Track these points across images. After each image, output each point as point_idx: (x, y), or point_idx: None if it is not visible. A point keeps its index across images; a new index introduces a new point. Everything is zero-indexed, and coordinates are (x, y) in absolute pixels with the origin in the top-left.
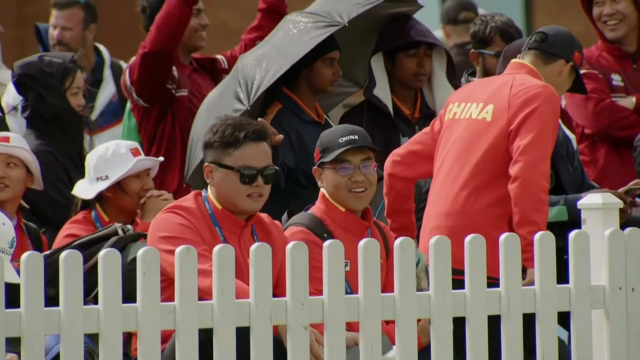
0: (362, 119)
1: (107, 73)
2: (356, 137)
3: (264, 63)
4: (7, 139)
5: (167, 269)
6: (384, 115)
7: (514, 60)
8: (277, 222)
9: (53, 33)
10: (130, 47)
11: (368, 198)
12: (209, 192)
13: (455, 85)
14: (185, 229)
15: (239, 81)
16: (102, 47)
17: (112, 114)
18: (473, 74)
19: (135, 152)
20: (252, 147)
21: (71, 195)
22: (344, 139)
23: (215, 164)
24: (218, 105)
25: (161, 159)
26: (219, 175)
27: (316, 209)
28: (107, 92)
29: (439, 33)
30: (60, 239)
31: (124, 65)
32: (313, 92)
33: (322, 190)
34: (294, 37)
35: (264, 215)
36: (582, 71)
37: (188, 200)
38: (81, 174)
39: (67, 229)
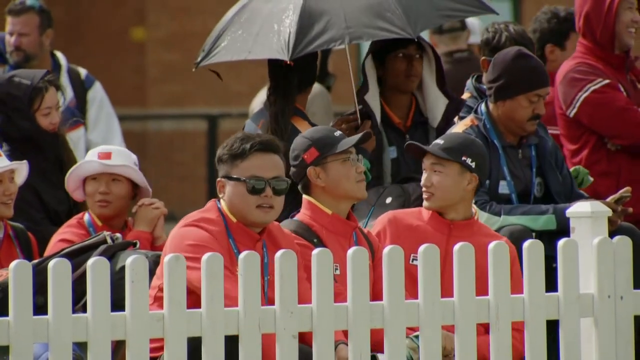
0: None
1: (65, 79)
2: (341, 132)
3: (325, 18)
4: (109, 155)
5: (190, 280)
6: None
7: None
8: (286, 231)
9: (10, 40)
10: (118, 56)
11: None
12: (223, 205)
13: (446, 91)
14: (212, 240)
15: (291, 16)
16: (59, 54)
17: (69, 120)
18: (479, 80)
19: (101, 156)
20: (259, 158)
21: (39, 217)
22: (337, 133)
23: (226, 178)
24: (261, 24)
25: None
26: (229, 188)
27: (302, 215)
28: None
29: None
30: (53, 243)
31: (82, 71)
32: (307, 95)
33: (306, 196)
34: (363, 12)
35: (276, 225)
36: (604, 82)
37: (208, 212)
38: (58, 190)
39: (61, 233)
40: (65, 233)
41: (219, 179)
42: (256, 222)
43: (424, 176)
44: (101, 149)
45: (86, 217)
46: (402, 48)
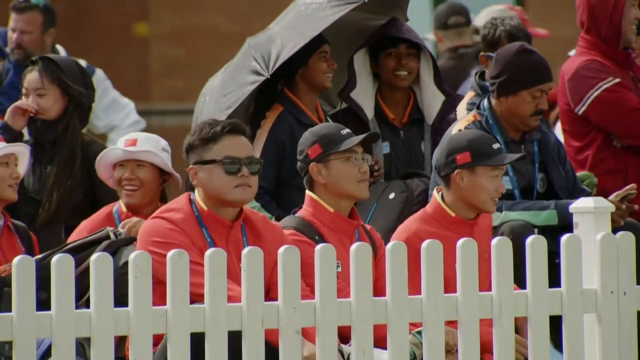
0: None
1: None
2: (350, 130)
3: (277, 39)
4: (135, 142)
5: (155, 273)
6: (359, 120)
7: None
8: (275, 223)
9: (12, 36)
10: (121, 51)
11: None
12: (196, 194)
13: (443, 88)
14: (175, 233)
15: (254, 57)
16: (60, 47)
17: None
18: (482, 77)
19: (127, 143)
20: (230, 139)
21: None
22: (344, 131)
23: (199, 163)
24: (229, 83)
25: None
26: (203, 173)
27: (304, 212)
28: None
29: (431, 37)
30: (80, 230)
31: (82, 63)
32: (313, 90)
33: (309, 193)
34: (308, 16)
35: (260, 216)
36: (616, 80)
37: (177, 203)
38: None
39: (89, 220)
40: (93, 221)
41: (190, 167)
42: (235, 202)
43: (501, 181)
44: (129, 136)
45: (115, 206)
46: (392, 47)
